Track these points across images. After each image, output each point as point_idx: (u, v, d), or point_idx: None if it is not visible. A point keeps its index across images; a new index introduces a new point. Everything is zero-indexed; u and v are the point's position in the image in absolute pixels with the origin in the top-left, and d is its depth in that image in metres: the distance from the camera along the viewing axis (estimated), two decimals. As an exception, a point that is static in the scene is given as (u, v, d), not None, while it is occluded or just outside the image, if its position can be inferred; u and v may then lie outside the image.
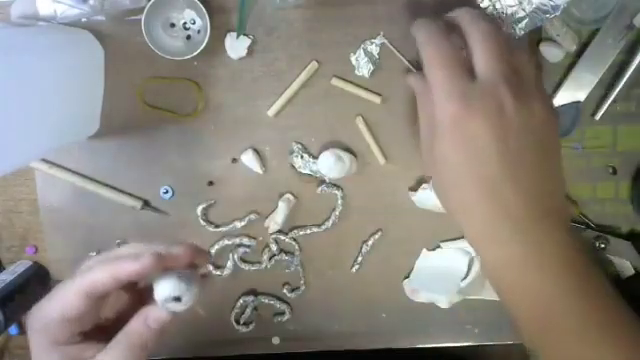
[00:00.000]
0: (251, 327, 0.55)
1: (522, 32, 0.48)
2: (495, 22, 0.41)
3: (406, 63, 0.50)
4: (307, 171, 0.52)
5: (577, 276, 0.38)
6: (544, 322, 0.38)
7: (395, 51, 0.50)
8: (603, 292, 0.39)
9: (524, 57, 0.40)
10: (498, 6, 0.48)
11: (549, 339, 0.39)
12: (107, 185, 0.53)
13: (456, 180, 0.39)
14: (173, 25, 0.50)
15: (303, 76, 0.51)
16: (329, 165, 0.50)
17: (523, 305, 0.39)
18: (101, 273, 0.34)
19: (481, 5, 0.48)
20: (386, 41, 0.50)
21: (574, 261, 0.38)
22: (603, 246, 0.51)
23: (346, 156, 0.51)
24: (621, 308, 0.39)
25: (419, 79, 0.43)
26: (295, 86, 0.51)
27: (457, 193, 0.39)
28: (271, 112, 0.51)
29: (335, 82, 0.50)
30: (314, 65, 0.50)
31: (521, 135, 0.37)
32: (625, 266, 0.52)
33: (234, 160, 0.53)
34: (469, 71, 0.39)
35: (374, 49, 0.50)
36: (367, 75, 0.50)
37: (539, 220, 0.38)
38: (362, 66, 0.50)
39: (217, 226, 0.54)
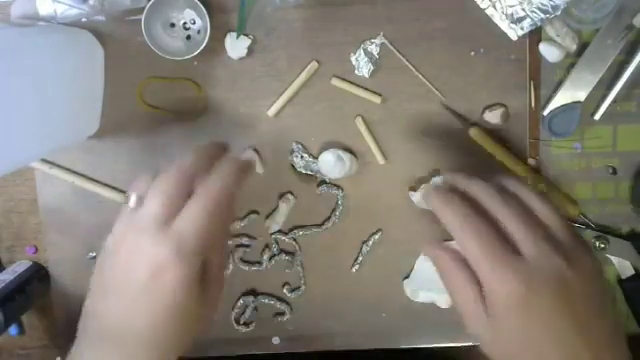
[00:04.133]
0: (251, 327, 0.55)
1: (522, 32, 0.48)
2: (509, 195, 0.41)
3: (406, 63, 0.50)
4: (307, 171, 0.52)
5: None
6: None
7: (395, 51, 0.50)
8: None
9: (550, 212, 0.39)
10: (498, 6, 0.48)
11: None
12: (107, 185, 0.53)
13: (533, 357, 0.37)
14: (173, 25, 0.50)
15: (303, 76, 0.51)
16: (329, 165, 0.50)
17: None
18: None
19: (481, 5, 0.48)
20: (386, 41, 0.50)
21: None
22: (603, 246, 0.51)
23: (346, 156, 0.51)
24: None
25: (446, 252, 0.40)
26: (295, 86, 0.51)
27: None
28: (271, 112, 0.51)
29: (335, 82, 0.50)
30: (314, 65, 0.50)
31: (583, 297, 0.37)
32: (625, 266, 0.52)
33: (234, 160, 0.53)
34: (512, 248, 0.37)
35: (374, 49, 0.50)
36: (367, 75, 0.50)
37: None
38: (362, 66, 0.50)
39: (217, 226, 0.54)
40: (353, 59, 0.50)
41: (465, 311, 0.39)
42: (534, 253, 0.37)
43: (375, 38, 0.50)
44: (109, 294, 0.38)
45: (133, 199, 0.39)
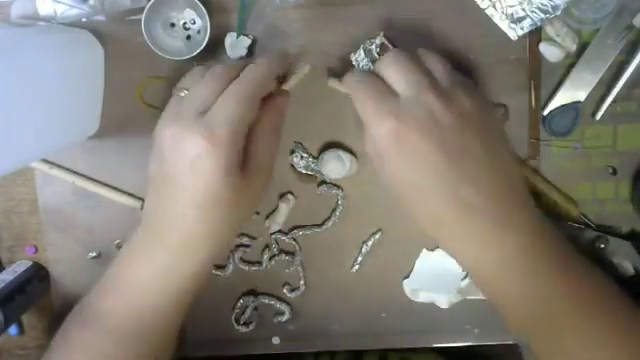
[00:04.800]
0: (251, 327, 0.55)
1: (522, 32, 0.48)
2: (397, 49, 0.44)
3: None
4: (307, 171, 0.52)
5: (557, 258, 0.40)
6: (531, 313, 0.40)
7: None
8: (584, 270, 0.41)
9: (433, 60, 0.42)
10: (498, 6, 0.48)
11: (537, 331, 0.41)
12: (107, 185, 0.53)
13: (417, 197, 0.40)
14: (173, 25, 0.50)
15: (303, 76, 0.50)
16: (329, 165, 0.50)
17: (510, 301, 0.41)
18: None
19: (481, 5, 0.48)
20: (386, 41, 0.50)
21: (551, 244, 0.40)
22: (603, 246, 0.51)
23: (346, 156, 0.51)
24: (600, 282, 0.42)
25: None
26: (295, 86, 0.51)
27: (423, 209, 0.41)
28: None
29: (332, 83, 0.50)
30: (314, 65, 0.50)
31: (457, 133, 0.39)
32: (625, 266, 0.52)
33: (234, 160, 0.53)
34: (392, 94, 0.40)
35: (374, 49, 0.50)
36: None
37: (507, 211, 0.39)
38: (362, 66, 0.50)
39: (217, 226, 0.54)
40: (353, 59, 0.50)
41: (374, 166, 0.42)
42: (406, 91, 0.40)
43: (375, 38, 0.50)
44: (160, 184, 0.41)
45: (182, 89, 0.42)
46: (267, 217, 0.54)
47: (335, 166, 0.50)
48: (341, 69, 0.50)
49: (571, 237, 0.51)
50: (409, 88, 0.39)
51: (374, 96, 0.40)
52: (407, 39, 0.50)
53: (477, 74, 0.50)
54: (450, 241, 0.41)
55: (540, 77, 0.50)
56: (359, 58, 0.50)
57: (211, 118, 0.38)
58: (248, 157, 0.41)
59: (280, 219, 0.53)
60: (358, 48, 0.50)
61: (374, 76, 0.42)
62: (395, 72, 0.41)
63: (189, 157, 0.38)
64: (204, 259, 0.42)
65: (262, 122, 0.42)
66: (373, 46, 0.50)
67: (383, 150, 0.39)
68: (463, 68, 0.50)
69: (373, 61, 0.50)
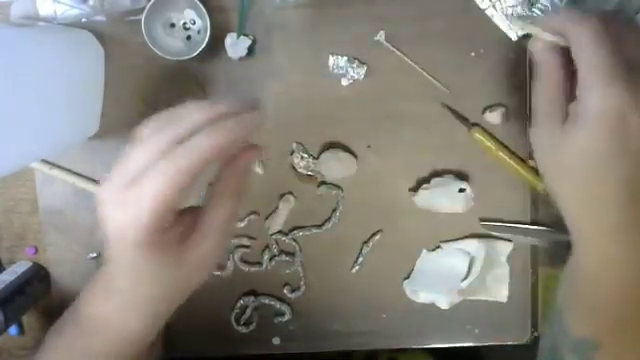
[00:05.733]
0: (251, 327, 0.55)
1: (522, 32, 0.48)
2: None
3: (408, 61, 0.50)
4: (307, 171, 0.52)
5: None
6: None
7: (396, 51, 0.50)
8: None
9: None
10: (498, 6, 0.48)
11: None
12: (107, 185, 0.53)
13: (597, 179, 0.36)
14: (173, 25, 0.50)
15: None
16: (329, 165, 0.50)
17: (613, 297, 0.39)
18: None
19: (481, 6, 0.48)
20: (384, 41, 0.50)
21: None
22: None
23: (346, 156, 0.51)
24: None
25: (553, 52, 0.38)
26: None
27: (594, 190, 0.36)
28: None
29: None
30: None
31: None
32: None
33: (234, 160, 0.53)
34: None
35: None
36: (366, 75, 0.50)
37: None
38: (362, 66, 0.50)
39: (217, 226, 0.53)
40: (352, 59, 0.50)
41: (544, 110, 0.38)
42: None
43: (375, 38, 0.50)
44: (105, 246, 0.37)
45: (137, 138, 0.36)
46: (267, 218, 0.53)
47: (335, 166, 0.50)
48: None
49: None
50: None
51: (610, 52, 0.34)
52: (407, 39, 0.50)
53: (478, 73, 0.50)
54: (600, 222, 0.37)
55: (540, 77, 0.50)
56: (358, 58, 0.50)
57: (138, 192, 0.33)
58: (199, 222, 0.36)
59: (280, 219, 0.53)
60: (357, 48, 0.50)
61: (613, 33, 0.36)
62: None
63: (115, 228, 0.34)
64: (147, 321, 0.40)
65: (220, 184, 0.37)
66: (373, 46, 0.50)
67: (593, 117, 0.34)
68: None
69: (373, 61, 0.50)
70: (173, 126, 0.34)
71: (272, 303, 0.55)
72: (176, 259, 0.36)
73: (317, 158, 0.52)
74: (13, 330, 0.56)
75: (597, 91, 0.34)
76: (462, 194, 0.50)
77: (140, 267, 0.36)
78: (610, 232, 0.37)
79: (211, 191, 0.37)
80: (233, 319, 0.55)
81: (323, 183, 0.53)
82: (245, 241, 0.54)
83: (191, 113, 0.35)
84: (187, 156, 0.33)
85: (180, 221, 0.37)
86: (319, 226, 0.53)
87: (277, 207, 0.53)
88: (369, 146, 0.52)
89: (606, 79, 0.34)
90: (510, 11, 0.47)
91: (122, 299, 0.38)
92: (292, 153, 0.52)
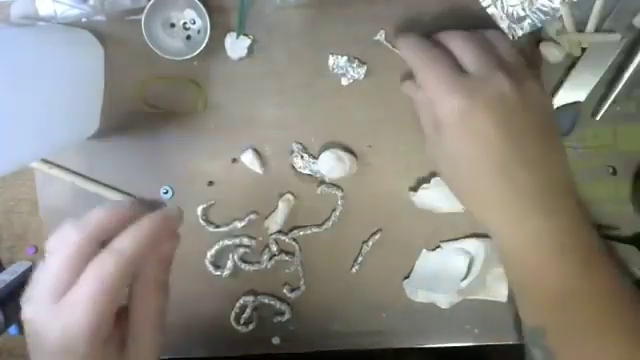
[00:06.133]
0: (251, 327, 0.55)
1: (522, 32, 0.48)
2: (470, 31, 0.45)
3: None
4: (307, 171, 0.52)
5: (589, 250, 0.41)
6: (561, 297, 0.40)
7: (396, 51, 0.50)
8: (608, 268, 0.41)
9: (506, 45, 0.43)
10: (499, 5, 0.48)
11: (566, 314, 0.41)
12: (107, 185, 0.53)
13: (468, 172, 0.41)
14: (173, 25, 0.50)
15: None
16: (329, 165, 0.50)
17: (539, 283, 0.41)
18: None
19: (482, 4, 0.48)
20: (384, 41, 0.50)
21: (588, 236, 0.41)
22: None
23: (346, 156, 0.51)
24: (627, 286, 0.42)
25: (414, 84, 0.46)
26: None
27: (471, 183, 0.42)
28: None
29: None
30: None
31: (521, 116, 0.40)
32: (632, 271, 0.51)
33: (234, 160, 0.53)
34: (462, 70, 0.41)
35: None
36: (366, 75, 0.50)
37: (551, 193, 0.40)
38: (362, 65, 0.50)
39: (217, 226, 0.54)
40: (352, 59, 0.50)
41: (425, 132, 0.44)
42: (478, 70, 0.40)
43: (375, 38, 0.50)
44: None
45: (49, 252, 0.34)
46: (267, 217, 0.54)
47: (335, 166, 0.50)
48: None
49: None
50: (481, 67, 0.40)
51: (442, 69, 0.41)
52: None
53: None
54: (490, 214, 0.42)
55: (540, 77, 0.50)
56: (359, 57, 0.50)
57: (67, 308, 0.31)
58: (129, 323, 0.35)
59: (280, 219, 0.53)
60: (358, 48, 0.50)
61: (443, 51, 0.42)
62: (468, 51, 0.41)
63: (49, 346, 0.32)
64: None
65: (143, 277, 0.35)
66: (373, 46, 0.50)
67: (446, 123, 0.40)
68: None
69: (373, 61, 0.50)
70: (85, 232, 0.33)
71: (272, 303, 0.55)
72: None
73: (317, 158, 0.52)
74: (13, 330, 0.56)
75: (439, 103, 0.40)
76: (462, 194, 0.50)
77: None
78: (499, 221, 0.42)
79: (135, 287, 0.35)
80: (233, 319, 0.55)
81: (323, 183, 0.53)
82: (245, 241, 0.54)
83: (98, 217, 0.34)
84: (115, 259, 0.32)
85: (118, 326, 0.35)
86: (319, 226, 0.53)
87: (277, 207, 0.53)
88: (369, 146, 0.52)
89: (441, 92, 0.40)
90: (511, 10, 0.47)
91: None
92: (292, 153, 0.52)
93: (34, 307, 0.33)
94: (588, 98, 0.49)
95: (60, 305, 0.32)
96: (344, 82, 0.51)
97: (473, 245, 0.52)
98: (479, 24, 0.49)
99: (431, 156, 0.44)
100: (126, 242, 0.32)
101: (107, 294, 0.32)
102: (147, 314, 0.35)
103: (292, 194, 0.53)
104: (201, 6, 0.48)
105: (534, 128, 0.40)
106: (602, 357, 0.39)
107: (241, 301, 0.55)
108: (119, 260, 0.32)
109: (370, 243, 0.53)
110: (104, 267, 0.32)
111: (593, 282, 0.41)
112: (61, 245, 0.33)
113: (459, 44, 0.42)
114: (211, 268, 0.54)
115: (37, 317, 0.32)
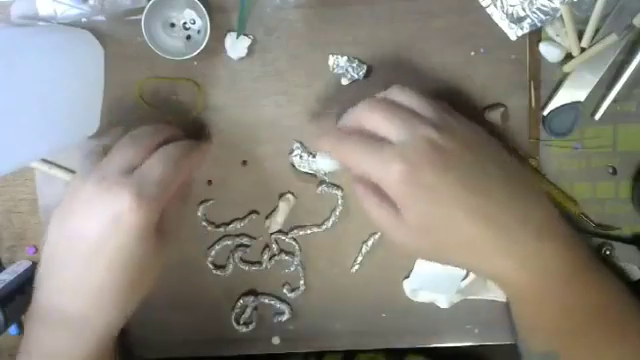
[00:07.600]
0: (251, 327, 0.55)
1: (522, 32, 0.48)
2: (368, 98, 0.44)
3: (407, 60, 0.50)
4: (307, 171, 0.52)
5: (588, 269, 0.41)
6: (568, 319, 0.40)
7: (396, 51, 0.50)
8: (600, 277, 0.42)
9: (414, 98, 0.42)
10: (499, 5, 0.48)
11: (577, 336, 0.41)
12: (107, 185, 0.53)
13: (444, 230, 0.39)
14: (173, 25, 0.50)
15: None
16: (327, 159, 0.49)
17: (543, 309, 0.41)
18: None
19: (482, 3, 0.48)
20: (384, 41, 0.50)
21: (584, 252, 0.41)
22: (609, 252, 0.51)
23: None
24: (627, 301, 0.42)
25: (361, 186, 0.43)
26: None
27: (452, 238, 0.39)
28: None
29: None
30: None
31: (463, 154, 0.39)
32: (631, 270, 0.51)
33: (234, 160, 0.53)
34: (385, 140, 0.40)
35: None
36: (366, 75, 0.50)
37: (522, 217, 0.39)
38: (361, 65, 0.50)
39: (217, 226, 0.54)
40: (352, 59, 0.50)
41: (382, 225, 0.41)
42: (400, 133, 0.39)
43: (375, 38, 0.50)
44: (60, 258, 0.39)
45: (100, 147, 0.43)
46: (267, 217, 0.54)
47: (329, 159, 0.49)
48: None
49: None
50: (401, 128, 0.39)
51: (369, 149, 0.39)
52: (407, 39, 0.50)
53: (478, 73, 0.50)
54: (486, 263, 0.40)
55: (540, 77, 0.50)
56: (358, 57, 0.50)
57: (141, 176, 0.38)
58: (162, 219, 0.41)
59: (280, 219, 0.53)
60: (357, 48, 0.50)
61: (356, 131, 0.42)
62: (381, 119, 0.40)
63: (111, 213, 0.37)
64: (101, 335, 0.41)
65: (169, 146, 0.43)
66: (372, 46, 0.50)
67: (399, 194, 0.39)
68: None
69: (373, 61, 0.50)
70: (143, 132, 0.43)
71: (272, 303, 0.55)
72: (161, 246, 0.40)
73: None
74: (13, 330, 0.56)
75: (385, 177, 0.39)
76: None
77: (129, 257, 0.38)
78: (502, 259, 0.40)
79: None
80: (233, 319, 0.55)
81: (323, 183, 0.53)
82: (245, 240, 0.54)
83: (164, 126, 0.46)
84: (180, 150, 0.41)
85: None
86: (319, 225, 0.53)
87: (277, 207, 0.53)
88: (369, 146, 0.52)
89: (380, 165, 0.39)
90: (511, 10, 0.47)
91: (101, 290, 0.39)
92: (292, 153, 0.52)
93: (106, 178, 0.38)
94: (588, 98, 0.49)
95: (134, 175, 0.39)
96: (344, 82, 0.51)
97: (473, 245, 0.52)
98: (479, 23, 0.49)
99: (403, 246, 0.42)
100: (187, 147, 0.43)
101: (174, 168, 0.40)
102: (173, 218, 0.43)
103: (292, 194, 0.53)
104: (201, 6, 0.48)
105: (485, 170, 0.39)
106: None
107: (241, 301, 0.55)
108: (183, 151, 0.42)
109: (370, 243, 0.53)
110: (172, 150, 0.41)
111: (597, 298, 0.41)
112: (132, 138, 0.42)
113: (368, 118, 0.41)
114: (211, 268, 0.54)
115: (110, 186, 0.38)
